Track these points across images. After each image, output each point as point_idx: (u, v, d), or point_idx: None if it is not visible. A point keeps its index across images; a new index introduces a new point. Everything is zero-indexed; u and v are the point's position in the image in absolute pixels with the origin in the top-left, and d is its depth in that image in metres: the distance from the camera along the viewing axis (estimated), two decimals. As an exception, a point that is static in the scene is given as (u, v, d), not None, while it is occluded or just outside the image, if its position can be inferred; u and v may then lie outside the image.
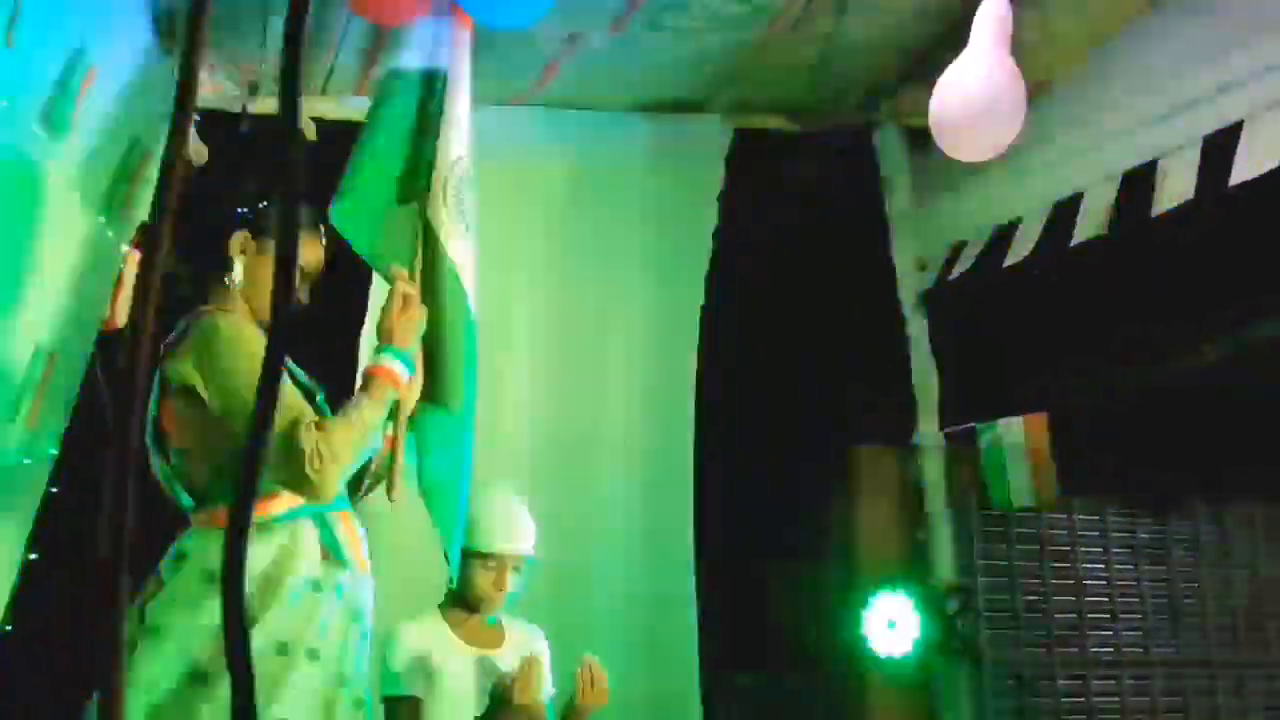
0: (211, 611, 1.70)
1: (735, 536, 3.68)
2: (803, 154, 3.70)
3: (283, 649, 1.70)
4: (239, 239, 1.92)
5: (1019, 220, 3.40)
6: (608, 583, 3.25)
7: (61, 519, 2.48)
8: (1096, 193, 3.13)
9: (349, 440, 1.73)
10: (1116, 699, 4.33)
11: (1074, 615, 4.34)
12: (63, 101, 2.25)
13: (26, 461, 2.42)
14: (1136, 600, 4.45)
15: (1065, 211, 3.25)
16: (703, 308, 3.51)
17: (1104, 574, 4.43)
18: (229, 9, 2.55)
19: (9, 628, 2.42)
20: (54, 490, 2.54)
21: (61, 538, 2.46)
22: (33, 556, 2.47)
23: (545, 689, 2.27)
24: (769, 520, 3.84)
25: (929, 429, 3.63)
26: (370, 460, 2.02)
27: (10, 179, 2.13)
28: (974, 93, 2.41)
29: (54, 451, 2.54)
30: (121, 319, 2.62)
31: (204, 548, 1.76)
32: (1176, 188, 2.89)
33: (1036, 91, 2.83)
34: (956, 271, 3.55)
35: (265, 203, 1.94)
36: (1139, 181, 3.04)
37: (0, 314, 2.16)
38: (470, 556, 2.29)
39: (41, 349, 2.37)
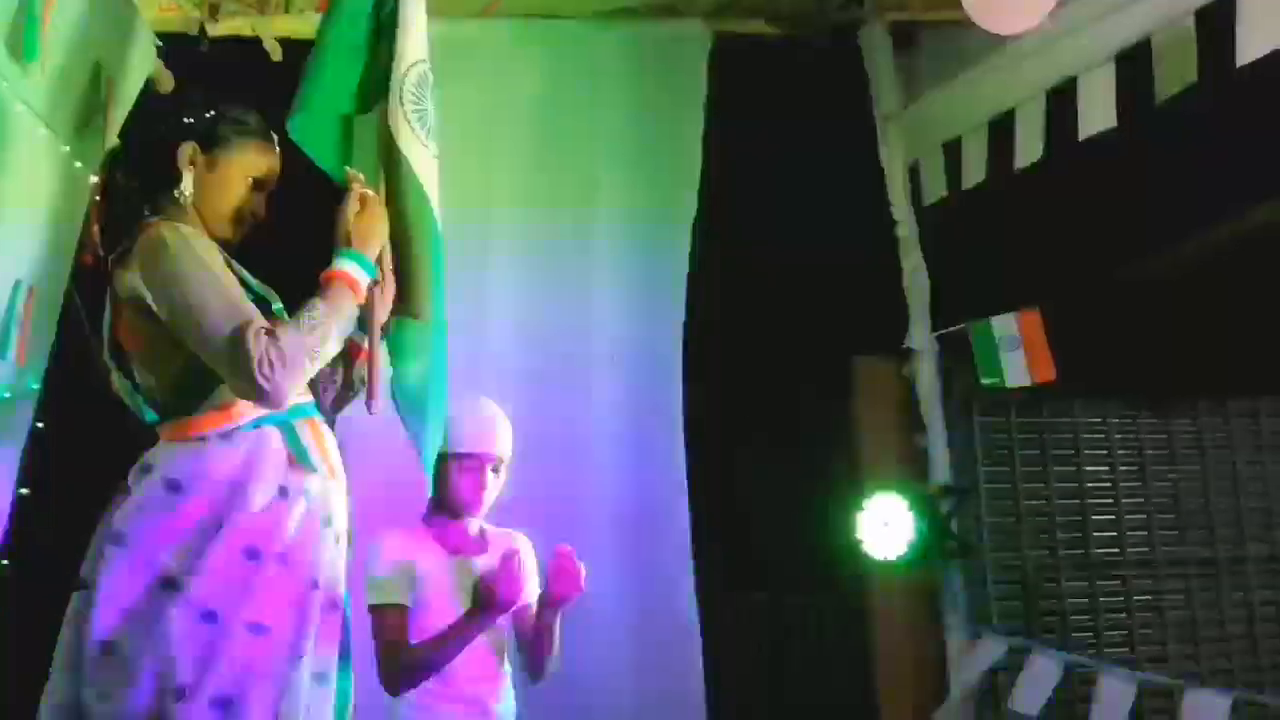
0: (178, 518, 1.70)
1: (728, 449, 3.67)
2: (785, 58, 3.61)
3: (252, 554, 1.71)
4: (188, 151, 1.88)
5: (1012, 111, 3.30)
6: (597, 500, 3.22)
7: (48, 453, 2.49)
8: (1091, 79, 3.02)
9: (301, 345, 1.70)
10: (1121, 599, 4.34)
11: (1078, 517, 4.33)
12: (29, 26, 2.20)
13: (8, 397, 2.42)
14: (1141, 500, 4.44)
15: (1061, 100, 3.14)
16: (695, 216, 3.45)
17: (1108, 475, 4.41)
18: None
19: (4, 561, 2.45)
20: (40, 425, 2.55)
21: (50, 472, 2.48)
22: (23, 491, 2.49)
23: (529, 587, 2.28)
24: (762, 431, 3.83)
25: (920, 333, 3.59)
26: (341, 370, 2.00)
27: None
28: None
29: (37, 386, 2.54)
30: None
31: (169, 459, 1.76)
32: (1174, 70, 2.78)
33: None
34: (966, 184, 3.46)
35: (213, 114, 1.90)
36: (1134, 65, 2.93)
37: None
38: (448, 459, 2.29)
39: (21, 283, 2.35)
